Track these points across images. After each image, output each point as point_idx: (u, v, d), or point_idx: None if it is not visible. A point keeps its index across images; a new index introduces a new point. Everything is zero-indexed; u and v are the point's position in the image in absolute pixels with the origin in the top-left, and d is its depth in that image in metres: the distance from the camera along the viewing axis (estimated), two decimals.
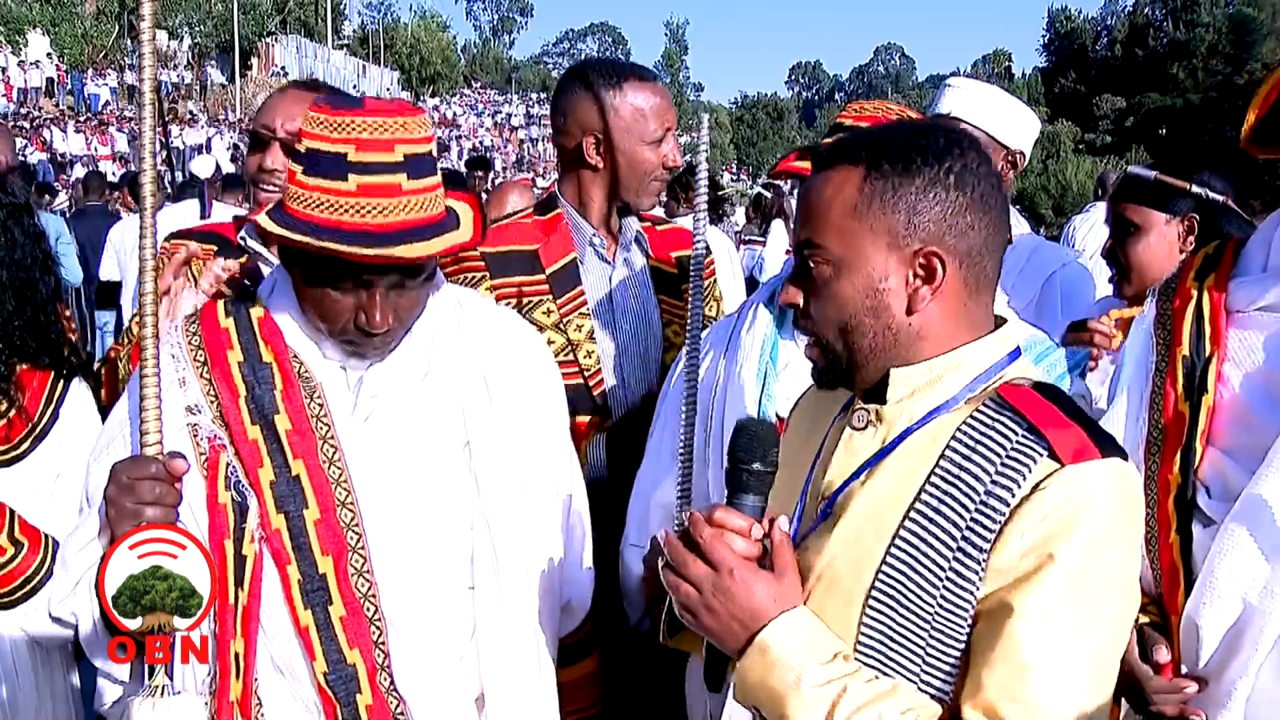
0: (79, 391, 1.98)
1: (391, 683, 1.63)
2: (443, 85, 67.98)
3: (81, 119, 29.53)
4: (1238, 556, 1.51)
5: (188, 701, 1.54)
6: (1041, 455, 1.24)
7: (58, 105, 32.53)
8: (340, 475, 1.63)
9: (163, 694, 1.50)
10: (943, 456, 1.29)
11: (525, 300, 2.38)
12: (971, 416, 1.30)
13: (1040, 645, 1.20)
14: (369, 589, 1.62)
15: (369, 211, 1.52)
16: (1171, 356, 1.67)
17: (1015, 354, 1.37)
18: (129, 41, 41.55)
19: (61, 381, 1.94)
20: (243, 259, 2.30)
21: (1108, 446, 1.26)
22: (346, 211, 1.52)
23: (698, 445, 1.99)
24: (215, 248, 2.32)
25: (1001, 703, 1.21)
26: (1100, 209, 6.51)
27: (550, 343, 2.31)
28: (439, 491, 1.69)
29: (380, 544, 1.64)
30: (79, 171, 21.35)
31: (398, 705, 1.63)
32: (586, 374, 2.37)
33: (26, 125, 26.60)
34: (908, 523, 1.28)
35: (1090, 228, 6.31)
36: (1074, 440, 1.25)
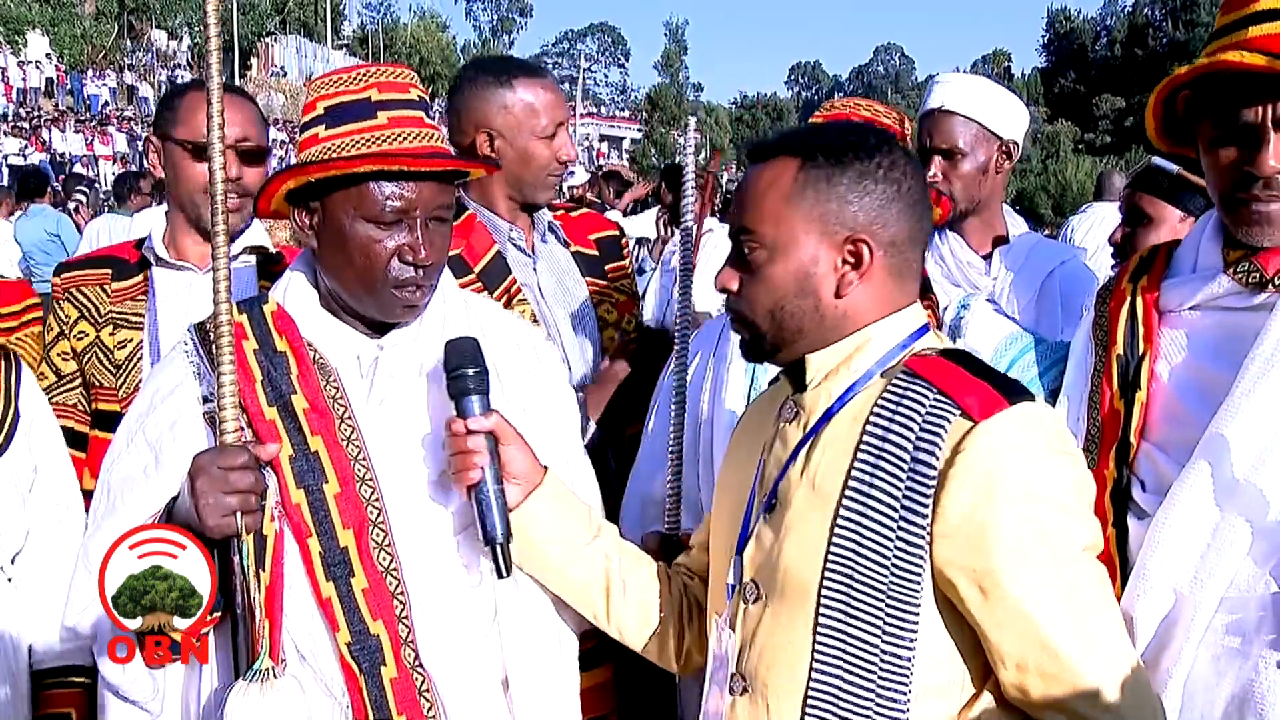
0: (30, 381, 1.97)
1: (416, 658, 1.62)
2: (442, 85, 67.94)
3: (81, 119, 29.51)
4: (1167, 549, 1.56)
5: (290, 686, 1.56)
6: (954, 415, 1.31)
7: (57, 105, 32.50)
8: (359, 453, 1.65)
9: (267, 678, 1.53)
10: (864, 431, 1.36)
11: None
12: (886, 389, 1.37)
13: (1035, 599, 1.30)
14: (391, 563, 1.63)
15: (403, 139, 1.63)
16: (1108, 357, 1.73)
17: (922, 330, 1.45)
18: (128, 42, 41.54)
19: (13, 372, 1.93)
20: (139, 277, 2.34)
21: (1015, 394, 1.34)
22: (382, 142, 1.62)
23: (687, 444, 2.01)
24: (109, 271, 2.35)
25: (1027, 656, 1.31)
26: (1098, 209, 6.53)
27: None
28: None
29: (400, 520, 1.65)
30: (78, 172, 21.35)
31: (423, 682, 1.62)
32: None
33: (26, 125, 26.58)
34: (846, 500, 1.35)
35: (1089, 228, 6.29)
36: (981, 395, 1.32)
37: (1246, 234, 1.57)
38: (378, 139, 1.62)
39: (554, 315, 2.47)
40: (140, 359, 2.28)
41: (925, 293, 2.18)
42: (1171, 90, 1.61)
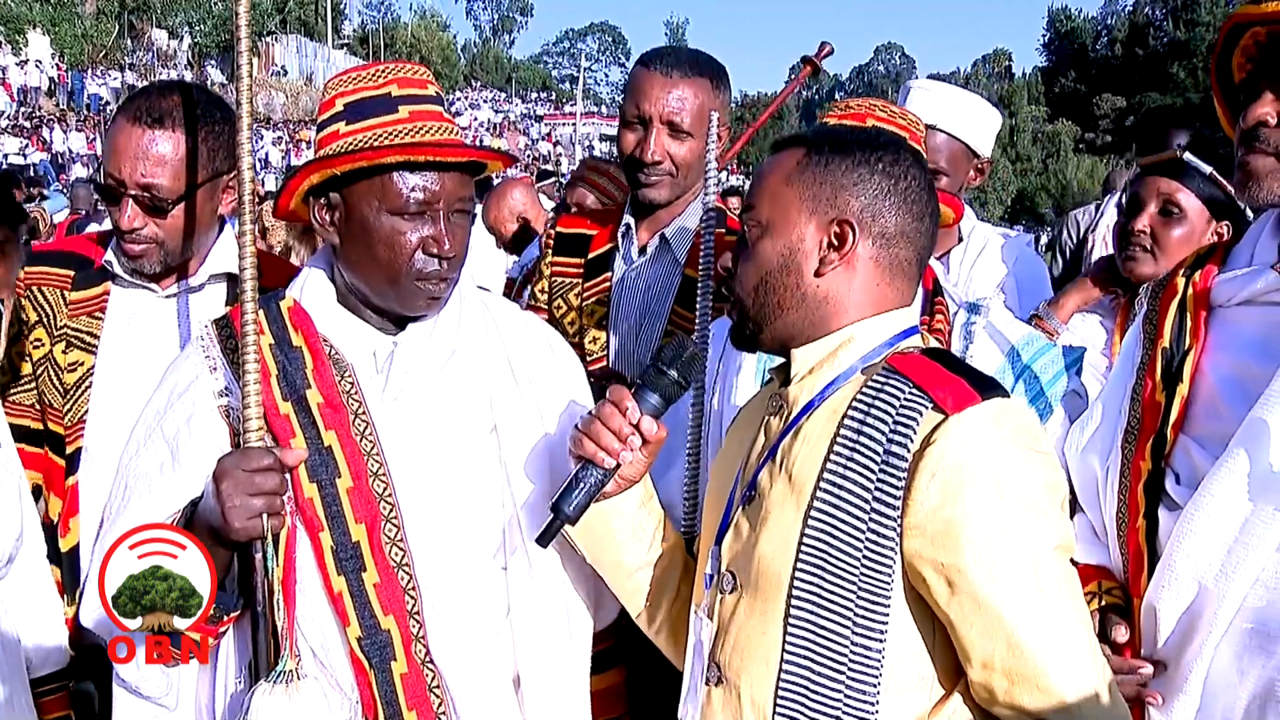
0: None
1: (427, 654, 1.62)
2: (443, 84, 67.84)
3: (81, 119, 29.53)
4: (1194, 541, 1.54)
5: (313, 687, 1.56)
6: (926, 408, 1.32)
7: (58, 105, 32.52)
8: (372, 448, 1.65)
9: (292, 680, 1.54)
10: (841, 424, 1.37)
11: (566, 280, 2.46)
12: (865, 385, 1.38)
13: (1001, 595, 1.28)
14: (403, 558, 1.63)
15: (424, 131, 1.63)
16: (1154, 350, 1.71)
17: (910, 331, 1.46)
18: (129, 41, 41.54)
19: None
20: (100, 289, 2.14)
21: (989, 389, 1.34)
22: (406, 135, 1.62)
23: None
24: (71, 274, 2.15)
25: (993, 653, 1.29)
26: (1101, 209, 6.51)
27: (573, 324, 2.40)
28: (469, 469, 1.71)
29: (413, 515, 1.65)
30: (79, 171, 21.38)
31: (433, 678, 1.62)
32: (589, 359, 2.40)
33: (26, 125, 26.60)
34: (820, 492, 1.35)
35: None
36: (955, 390, 1.32)
37: (1240, 194, 1.56)
38: (401, 132, 1.62)
39: (619, 325, 2.46)
40: (88, 386, 2.11)
41: (936, 297, 2.18)
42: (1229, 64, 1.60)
